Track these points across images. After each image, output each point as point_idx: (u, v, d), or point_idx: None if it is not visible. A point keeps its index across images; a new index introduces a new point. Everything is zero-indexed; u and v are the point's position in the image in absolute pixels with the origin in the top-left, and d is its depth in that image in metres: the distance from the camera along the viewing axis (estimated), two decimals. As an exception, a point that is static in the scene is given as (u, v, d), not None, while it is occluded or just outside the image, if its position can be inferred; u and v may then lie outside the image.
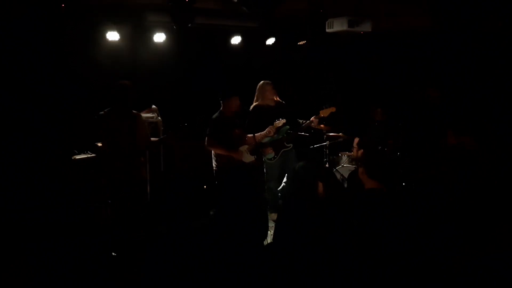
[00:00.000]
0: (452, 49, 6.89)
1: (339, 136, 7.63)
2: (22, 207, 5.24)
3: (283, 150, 6.80)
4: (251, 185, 3.36)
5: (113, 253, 4.21)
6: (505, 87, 6.61)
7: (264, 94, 6.79)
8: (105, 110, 5.29)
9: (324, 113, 6.78)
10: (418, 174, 6.44)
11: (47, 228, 4.58)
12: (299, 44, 8.19)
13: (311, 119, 6.82)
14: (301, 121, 6.92)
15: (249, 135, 6.58)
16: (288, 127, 6.75)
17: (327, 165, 7.70)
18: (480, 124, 4.79)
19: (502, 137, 4.67)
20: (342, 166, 7.64)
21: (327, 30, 7.51)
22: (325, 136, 7.49)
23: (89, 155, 6.38)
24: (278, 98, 6.86)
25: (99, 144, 5.70)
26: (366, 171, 3.95)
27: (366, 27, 7.40)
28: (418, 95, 8.07)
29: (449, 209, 3.31)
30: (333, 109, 6.82)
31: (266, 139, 6.69)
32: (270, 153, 6.74)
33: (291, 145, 6.81)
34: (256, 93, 6.89)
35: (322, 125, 7.45)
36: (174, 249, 3.04)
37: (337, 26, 7.37)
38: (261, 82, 6.89)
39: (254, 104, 6.87)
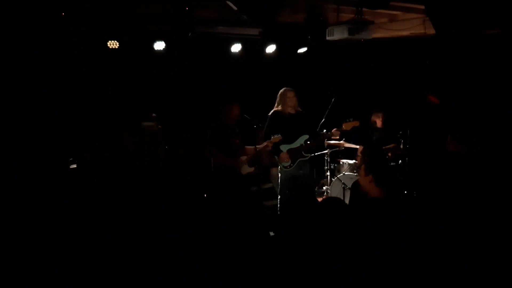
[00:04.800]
0: (452, 51, 6.88)
1: (340, 144, 7.62)
2: (21, 205, 5.24)
3: (300, 159, 6.75)
4: (246, 186, 3.36)
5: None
6: (505, 89, 6.59)
7: (285, 101, 6.71)
8: (96, 118, 5.32)
9: (347, 126, 6.71)
10: (419, 176, 6.43)
11: (46, 227, 4.57)
12: (299, 53, 8.19)
13: (332, 131, 6.76)
14: (322, 131, 6.88)
15: (249, 147, 6.58)
16: (307, 136, 6.72)
17: (328, 173, 7.69)
18: (480, 127, 4.78)
19: (502, 138, 4.66)
20: (343, 174, 7.61)
21: (328, 38, 7.51)
22: (326, 143, 7.47)
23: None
24: (298, 107, 6.79)
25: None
26: (375, 179, 3.93)
27: (366, 35, 7.41)
28: (418, 99, 8.06)
29: (448, 207, 3.31)
30: (356, 123, 6.75)
31: (283, 146, 6.66)
32: (286, 161, 6.69)
33: (309, 155, 6.75)
34: (277, 99, 6.81)
35: (342, 141, 7.41)
36: (173, 249, 3.03)
37: (337, 34, 7.37)
38: (283, 88, 6.81)
39: (274, 109, 6.81)
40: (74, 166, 6.26)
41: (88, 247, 3.70)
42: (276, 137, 6.48)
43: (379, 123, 7.95)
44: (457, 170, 4.23)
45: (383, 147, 7.57)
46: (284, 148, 6.68)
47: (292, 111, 6.75)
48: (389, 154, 7.58)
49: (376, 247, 3.10)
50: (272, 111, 6.82)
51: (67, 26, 6.40)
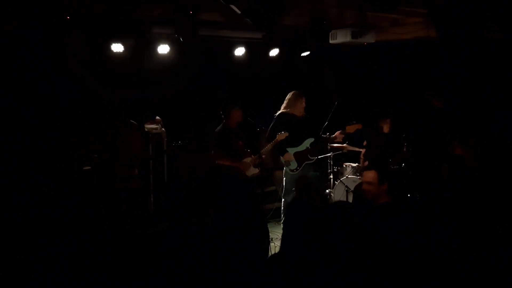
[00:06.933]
0: (452, 53, 6.87)
1: (343, 147, 7.59)
2: (21, 205, 5.26)
3: (306, 162, 6.73)
4: (246, 186, 3.36)
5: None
6: (506, 90, 6.57)
7: (295, 104, 6.72)
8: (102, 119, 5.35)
9: (350, 129, 6.71)
10: (422, 179, 6.39)
11: (46, 227, 4.59)
12: (302, 56, 8.20)
13: (335, 134, 6.76)
14: (326, 135, 6.87)
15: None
16: (312, 139, 6.71)
17: (331, 176, 7.66)
18: (480, 127, 4.77)
19: (502, 139, 4.65)
20: (347, 177, 7.58)
21: (331, 42, 7.53)
22: (329, 147, 7.45)
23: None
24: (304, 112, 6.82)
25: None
26: (388, 187, 3.93)
27: (369, 38, 7.42)
28: (420, 101, 8.03)
29: (448, 208, 3.30)
30: (359, 126, 6.75)
31: (289, 150, 6.65)
32: (293, 163, 6.68)
33: (315, 158, 6.74)
34: (285, 101, 6.82)
35: (345, 144, 7.39)
36: (173, 249, 3.03)
37: (340, 37, 7.39)
38: (294, 92, 6.82)
39: (281, 111, 6.81)
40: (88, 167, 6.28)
41: (88, 247, 3.71)
42: (282, 134, 6.46)
43: (386, 128, 7.87)
44: (457, 170, 4.22)
45: (391, 152, 7.52)
46: (290, 151, 6.67)
47: (298, 115, 6.75)
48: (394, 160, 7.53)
49: (376, 247, 3.09)
50: (279, 112, 6.80)
51: (68, 27, 6.43)
